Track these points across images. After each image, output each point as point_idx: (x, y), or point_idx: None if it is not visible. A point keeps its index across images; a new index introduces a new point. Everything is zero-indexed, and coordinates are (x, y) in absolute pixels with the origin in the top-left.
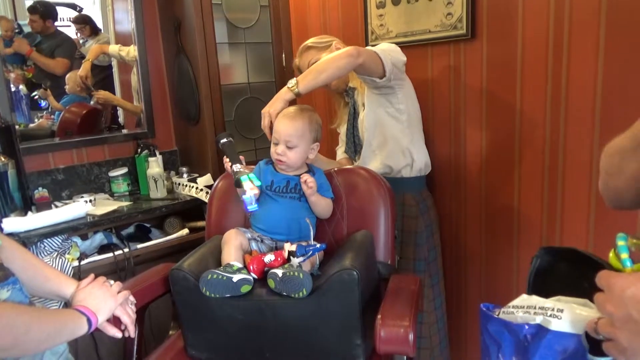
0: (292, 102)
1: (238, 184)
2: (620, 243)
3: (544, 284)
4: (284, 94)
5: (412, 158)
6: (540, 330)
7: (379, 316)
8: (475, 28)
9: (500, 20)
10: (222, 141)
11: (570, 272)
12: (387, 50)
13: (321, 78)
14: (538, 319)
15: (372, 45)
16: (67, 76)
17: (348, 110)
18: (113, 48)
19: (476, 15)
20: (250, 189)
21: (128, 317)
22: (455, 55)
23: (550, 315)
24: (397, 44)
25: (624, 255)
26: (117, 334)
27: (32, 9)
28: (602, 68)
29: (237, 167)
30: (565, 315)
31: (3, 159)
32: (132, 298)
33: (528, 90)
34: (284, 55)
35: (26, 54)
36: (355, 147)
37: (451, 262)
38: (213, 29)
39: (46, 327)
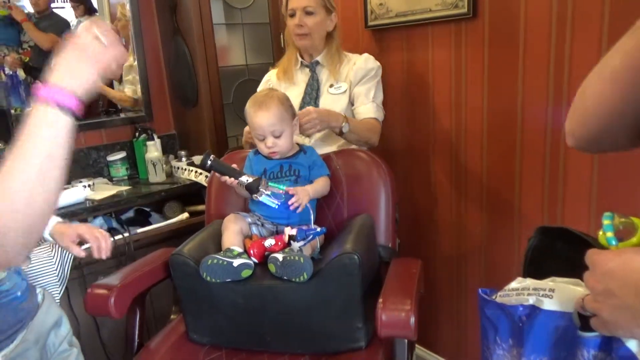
0: None
1: (252, 190)
2: (606, 222)
3: (541, 264)
4: (336, 125)
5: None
6: (533, 311)
7: (380, 300)
8: (476, 6)
9: None
10: (208, 164)
11: (566, 251)
12: (379, 101)
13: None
14: (531, 300)
15: (372, 27)
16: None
17: (306, 80)
18: None
19: None
20: (264, 188)
21: (91, 237)
22: (456, 35)
23: (543, 295)
24: (396, 23)
25: (609, 234)
26: (81, 253)
27: None
28: (607, 45)
29: (245, 178)
30: (556, 295)
31: None
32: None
33: (530, 70)
34: (282, 36)
35: (20, 21)
36: None
37: (451, 248)
38: (210, 10)
39: (32, 163)
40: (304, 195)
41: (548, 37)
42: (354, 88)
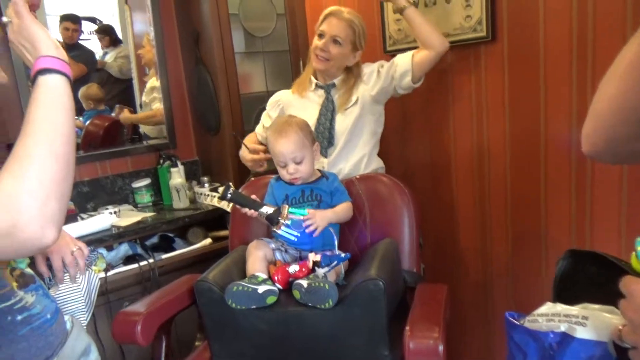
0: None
1: (272, 222)
2: None
3: (571, 288)
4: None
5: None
6: (566, 338)
7: (407, 327)
8: (495, 30)
9: (521, 21)
10: (228, 196)
11: (598, 275)
12: None
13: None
14: (563, 327)
15: (391, 52)
16: (80, 94)
17: (320, 101)
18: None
19: (496, 17)
20: (284, 219)
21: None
22: (475, 58)
23: (575, 323)
24: (414, 48)
25: None
26: (45, 273)
27: (72, 17)
28: None
29: (265, 209)
30: (590, 323)
31: None
32: (81, 244)
33: (552, 90)
34: (301, 62)
35: None
36: (328, 143)
37: (477, 269)
38: (231, 39)
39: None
40: (320, 218)
41: (569, 57)
42: (380, 82)
